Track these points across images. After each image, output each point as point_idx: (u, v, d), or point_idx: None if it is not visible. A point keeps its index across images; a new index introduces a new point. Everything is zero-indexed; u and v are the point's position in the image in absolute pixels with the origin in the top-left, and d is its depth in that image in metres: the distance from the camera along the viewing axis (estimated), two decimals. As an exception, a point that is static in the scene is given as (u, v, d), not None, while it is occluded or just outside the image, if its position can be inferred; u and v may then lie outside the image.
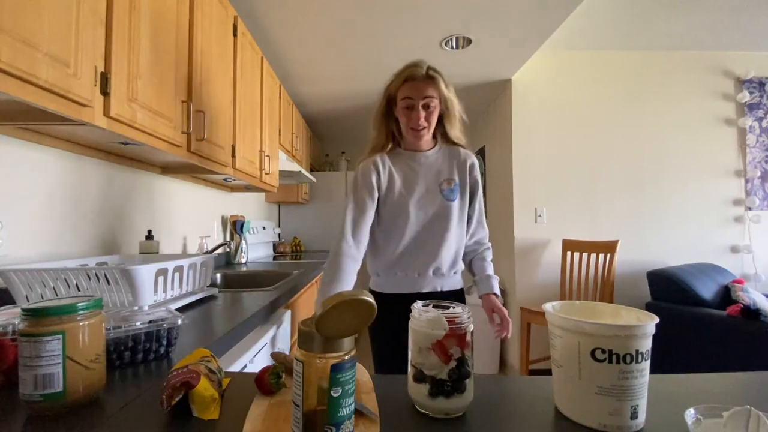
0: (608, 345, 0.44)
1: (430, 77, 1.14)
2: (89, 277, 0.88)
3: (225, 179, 2.07)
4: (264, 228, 3.05)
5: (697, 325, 2.21)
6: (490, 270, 1.25)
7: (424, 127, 1.16)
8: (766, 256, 2.88)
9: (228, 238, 2.49)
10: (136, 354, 0.67)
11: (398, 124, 1.22)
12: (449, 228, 1.20)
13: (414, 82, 1.14)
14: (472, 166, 1.25)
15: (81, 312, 0.51)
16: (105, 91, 0.90)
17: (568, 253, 2.75)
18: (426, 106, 1.14)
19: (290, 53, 2.49)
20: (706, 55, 2.92)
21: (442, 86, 1.14)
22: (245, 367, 0.99)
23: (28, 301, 0.85)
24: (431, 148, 1.24)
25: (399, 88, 1.16)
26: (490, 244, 1.31)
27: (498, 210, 3.30)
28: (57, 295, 0.86)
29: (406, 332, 0.54)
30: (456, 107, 1.20)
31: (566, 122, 2.92)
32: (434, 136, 1.25)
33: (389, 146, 1.23)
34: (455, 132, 1.24)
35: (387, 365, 1.21)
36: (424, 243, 1.20)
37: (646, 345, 0.45)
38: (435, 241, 1.20)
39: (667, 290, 2.45)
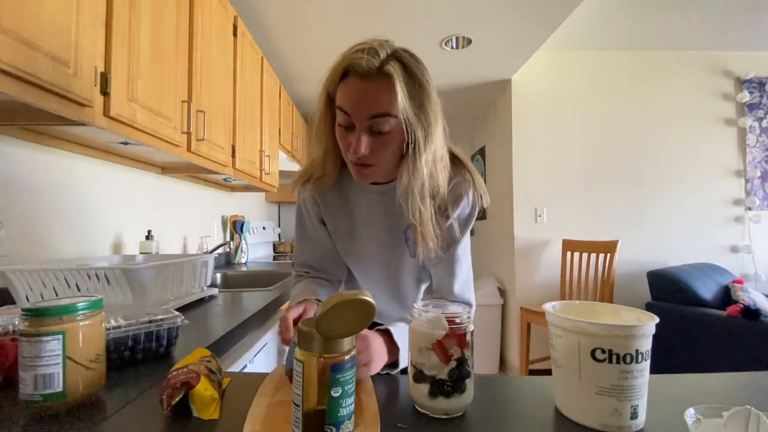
0: (608, 345, 0.44)
1: (384, 75, 0.62)
2: (89, 277, 0.88)
3: (225, 179, 2.07)
4: (264, 228, 3.05)
5: (697, 325, 2.21)
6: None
7: (370, 164, 0.68)
8: (766, 256, 2.88)
9: (228, 238, 2.49)
10: (136, 354, 0.67)
11: None
12: (417, 296, 0.89)
13: (355, 80, 0.63)
14: (455, 201, 0.75)
15: (81, 312, 0.51)
16: (105, 91, 0.90)
17: (568, 253, 2.75)
18: (373, 131, 0.65)
19: (290, 53, 2.49)
20: (706, 55, 2.92)
21: (400, 96, 0.61)
22: (245, 367, 0.99)
23: (28, 301, 0.85)
24: (393, 179, 0.76)
25: (337, 87, 0.67)
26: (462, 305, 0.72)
27: (498, 210, 3.30)
28: (57, 295, 0.86)
29: None
30: (436, 134, 0.67)
31: (566, 122, 2.92)
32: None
33: (336, 176, 0.79)
34: (432, 180, 0.70)
35: None
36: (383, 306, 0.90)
37: (646, 345, 0.45)
38: (393, 310, 0.91)
39: (667, 290, 2.45)
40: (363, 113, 0.63)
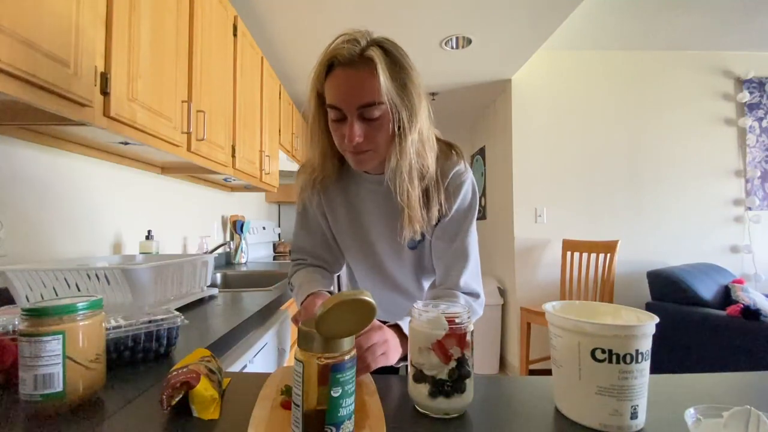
0: (608, 345, 0.44)
1: (366, 60, 0.64)
2: (89, 277, 0.88)
3: (225, 179, 2.07)
4: (264, 228, 3.05)
5: (697, 325, 2.21)
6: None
7: (366, 150, 0.69)
8: (766, 256, 2.88)
9: (228, 238, 2.49)
10: (136, 354, 0.67)
11: None
12: (415, 293, 0.89)
13: (340, 71, 0.66)
14: (456, 190, 0.77)
15: (81, 312, 0.51)
16: (105, 91, 0.90)
17: (568, 253, 2.75)
18: (365, 117, 0.67)
19: (290, 53, 2.49)
20: (706, 55, 2.92)
21: (383, 78, 0.63)
22: (245, 367, 0.99)
23: (27, 301, 0.85)
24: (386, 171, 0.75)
25: (324, 83, 0.69)
26: (470, 300, 0.79)
27: (498, 210, 3.30)
28: (57, 295, 0.86)
29: None
30: (420, 115, 0.69)
31: (566, 122, 2.92)
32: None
33: (336, 174, 0.82)
34: (420, 159, 0.72)
35: None
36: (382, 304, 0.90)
37: (646, 345, 0.45)
38: (394, 303, 0.92)
39: (667, 290, 2.45)
40: (352, 102, 0.65)
